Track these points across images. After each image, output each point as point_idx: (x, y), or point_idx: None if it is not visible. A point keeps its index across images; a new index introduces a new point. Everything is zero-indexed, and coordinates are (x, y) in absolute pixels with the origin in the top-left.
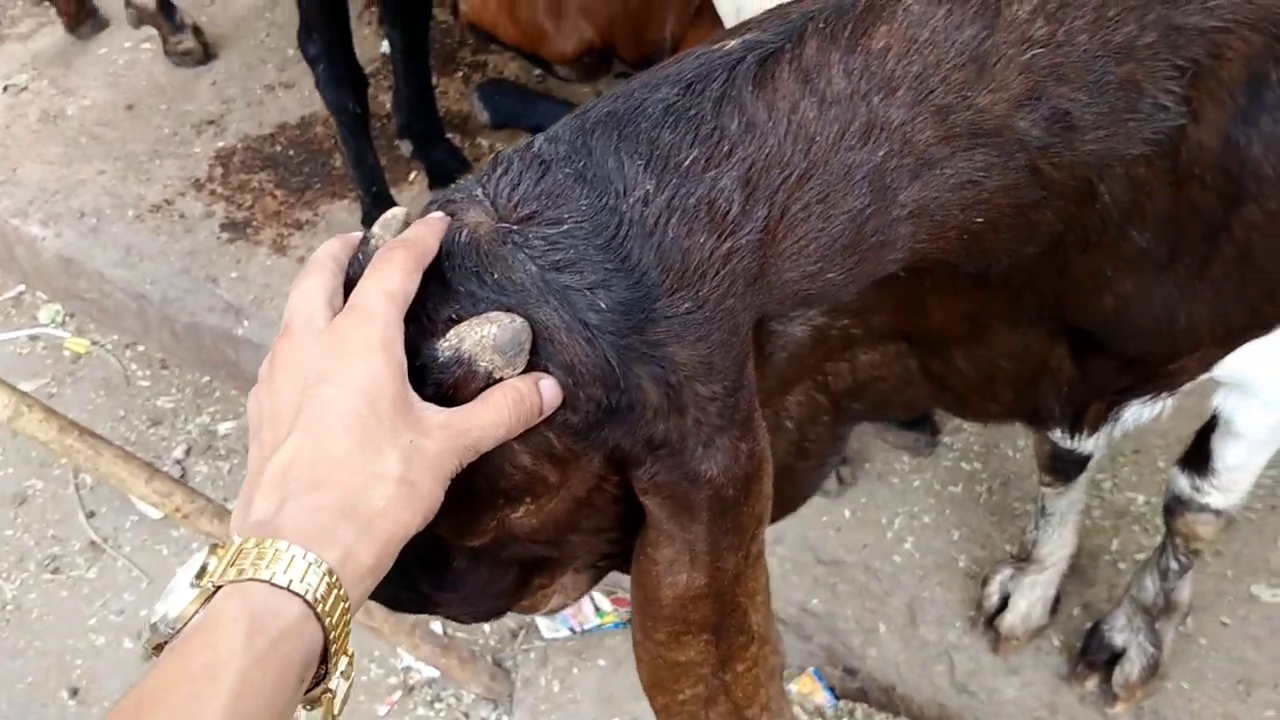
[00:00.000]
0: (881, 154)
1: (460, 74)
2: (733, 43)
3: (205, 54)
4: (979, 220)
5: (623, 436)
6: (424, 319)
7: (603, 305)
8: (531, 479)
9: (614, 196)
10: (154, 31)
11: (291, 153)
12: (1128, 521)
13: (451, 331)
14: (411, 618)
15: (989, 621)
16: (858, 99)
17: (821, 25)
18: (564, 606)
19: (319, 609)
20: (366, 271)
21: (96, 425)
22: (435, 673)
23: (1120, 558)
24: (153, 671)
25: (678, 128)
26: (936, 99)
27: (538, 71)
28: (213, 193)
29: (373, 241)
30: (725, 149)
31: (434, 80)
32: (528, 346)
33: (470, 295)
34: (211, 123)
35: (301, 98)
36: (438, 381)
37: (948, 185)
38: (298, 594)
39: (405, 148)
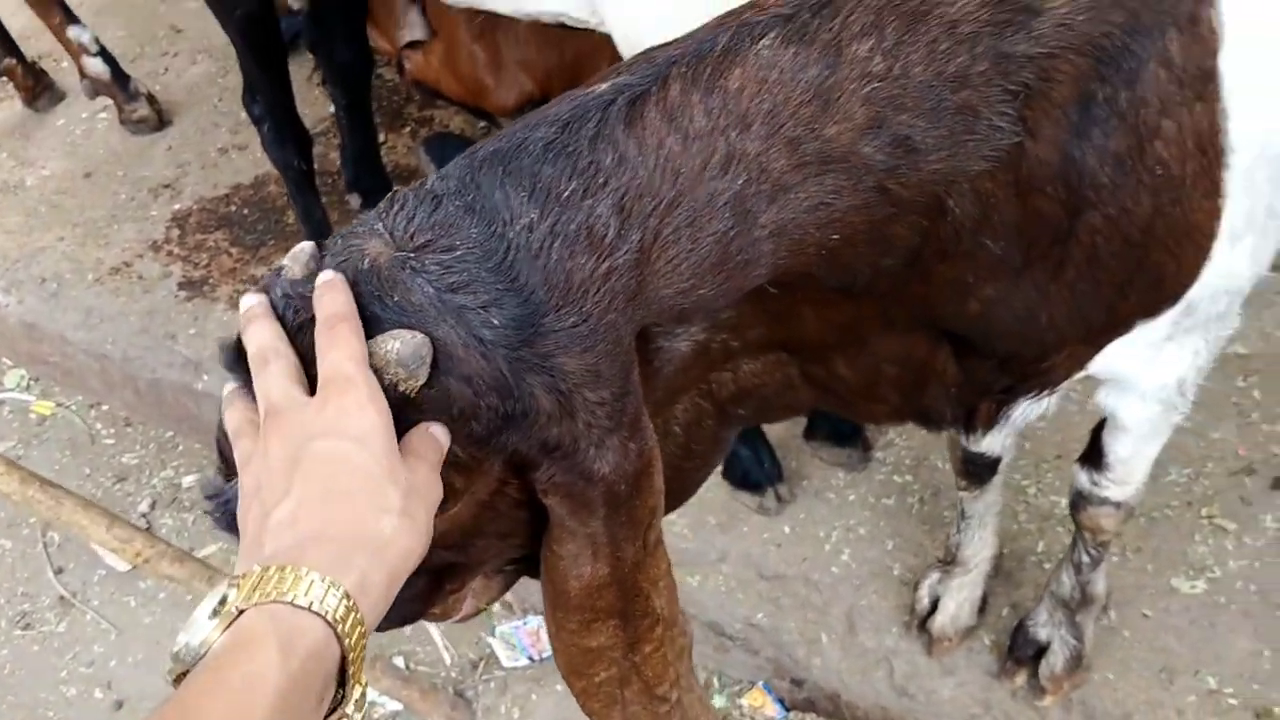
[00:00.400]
0: (741, 182)
1: (407, 129)
2: (604, 86)
3: (160, 121)
4: (835, 237)
5: (520, 441)
6: None
7: (495, 322)
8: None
9: (501, 225)
10: (110, 101)
11: (245, 211)
12: (1052, 524)
13: None
14: (373, 652)
15: (922, 625)
16: (717, 134)
17: (683, 69)
18: (477, 612)
19: (339, 629)
20: (326, 344)
21: (64, 484)
22: (398, 705)
23: (1046, 559)
24: (187, 685)
25: (557, 162)
26: (787, 131)
27: (482, 124)
28: (170, 253)
29: (284, 273)
30: (601, 180)
31: (382, 135)
32: (429, 360)
33: (374, 317)
34: (167, 186)
35: (254, 158)
36: None
37: (803, 207)
38: (319, 614)
39: (354, 201)
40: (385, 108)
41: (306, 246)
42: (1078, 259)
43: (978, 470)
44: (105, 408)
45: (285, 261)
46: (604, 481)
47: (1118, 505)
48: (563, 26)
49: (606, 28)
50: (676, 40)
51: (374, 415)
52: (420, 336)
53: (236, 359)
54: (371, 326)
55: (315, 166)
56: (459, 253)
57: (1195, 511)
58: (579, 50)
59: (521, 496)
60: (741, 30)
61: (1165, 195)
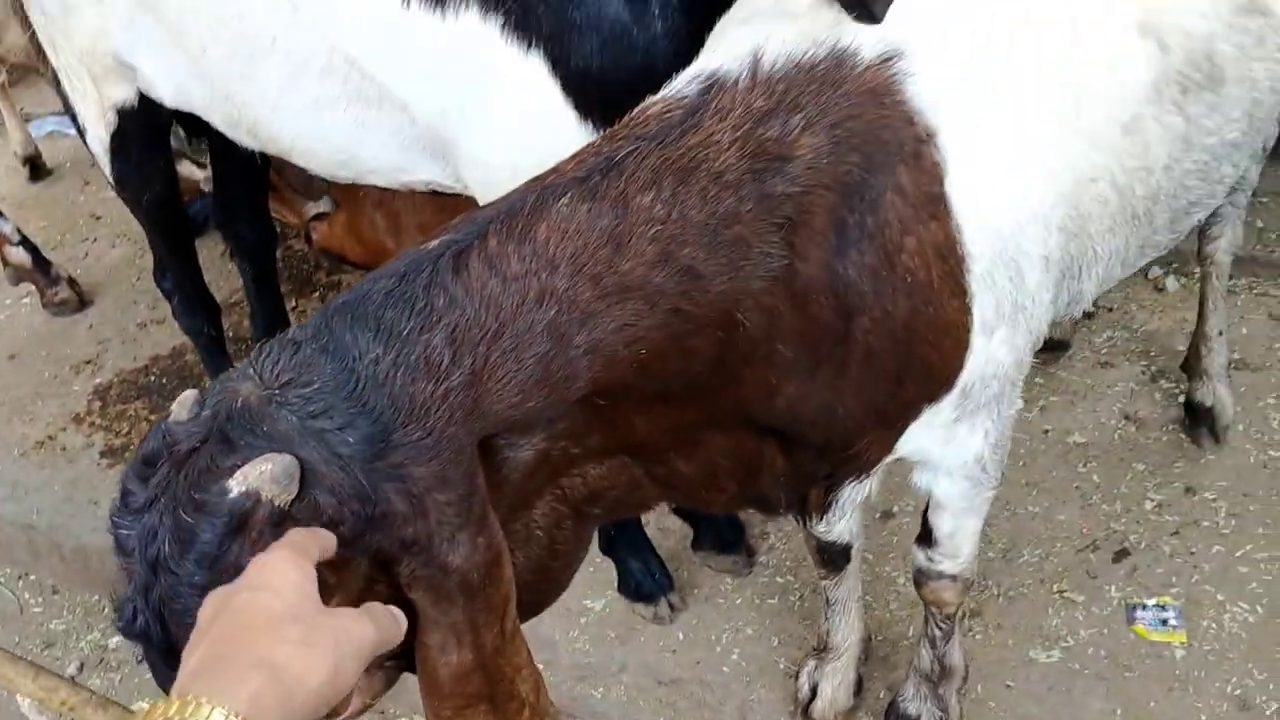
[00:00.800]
0: (553, 312)
1: (317, 294)
2: (435, 243)
3: (81, 302)
4: (643, 352)
5: (382, 540)
6: (216, 468)
7: (351, 440)
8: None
9: (352, 360)
10: (32, 287)
11: (164, 380)
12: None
13: (238, 472)
14: None
15: (805, 711)
16: (530, 275)
17: (499, 225)
18: (364, 708)
19: None
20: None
21: None
22: None
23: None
24: None
25: (397, 307)
26: (589, 270)
27: None
28: (92, 424)
29: (171, 417)
30: (435, 319)
31: (293, 301)
32: (297, 477)
33: (248, 445)
34: (89, 362)
35: (172, 331)
36: (231, 511)
37: (610, 329)
38: None
39: None
40: (295, 275)
41: (190, 393)
42: (857, 356)
43: (833, 557)
44: (33, 577)
45: (174, 407)
46: (458, 572)
47: (954, 578)
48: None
49: (470, 191)
50: (494, 202)
51: (291, 570)
52: (288, 458)
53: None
54: (247, 454)
55: (231, 334)
56: (316, 386)
57: (1047, 588)
58: (468, 210)
59: (391, 594)
60: (545, 192)
61: (918, 298)
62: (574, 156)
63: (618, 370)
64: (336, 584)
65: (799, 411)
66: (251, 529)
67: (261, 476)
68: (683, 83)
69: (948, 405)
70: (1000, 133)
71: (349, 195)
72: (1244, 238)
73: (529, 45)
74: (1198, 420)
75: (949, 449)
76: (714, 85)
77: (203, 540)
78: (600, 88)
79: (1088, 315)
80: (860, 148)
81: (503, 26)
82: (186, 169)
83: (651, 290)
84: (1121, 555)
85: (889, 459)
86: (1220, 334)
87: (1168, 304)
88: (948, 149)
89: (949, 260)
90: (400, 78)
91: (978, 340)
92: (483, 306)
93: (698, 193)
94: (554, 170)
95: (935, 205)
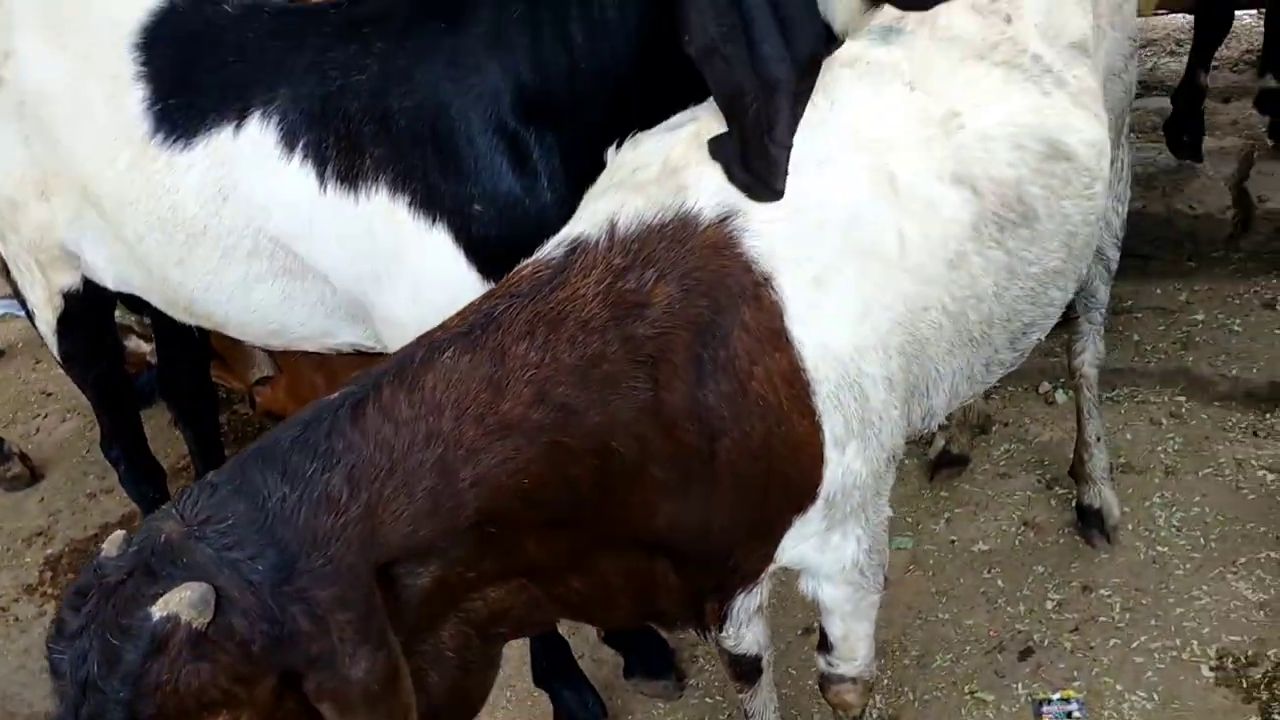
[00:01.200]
0: (440, 451)
1: None
2: (336, 395)
3: (32, 476)
4: (525, 482)
5: (289, 656)
6: (141, 596)
7: (261, 569)
8: (227, 695)
9: (262, 499)
10: None
11: None
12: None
13: (160, 600)
14: None
15: None
16: (419, 420)
17: (391, 378)
18: None
19: None
20: None
21: None
22: None
23: None
24: None
25: (302, 451)
26: (472, 411)
27: None
28: (44, 594)
29: (103, 554)
30: (334, 461)
31: None
32: (213, 602)
33: (169, 575)
34: (40, 534)
35: (121, 499)
36: (153, 633)
37: (493, 463)
38: None
39: None
40: (240, 437)
41: (119, 533)
42: (723, 475)
43: (745, 670)
44: None
45: (105, 545)
46: (360, 684)
47: (854, 680)
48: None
49: (390, 350)
50: (388, 357)
51: None
52: (205, 585)
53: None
54: (168, 583)
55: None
56: (231, 522)
57: (960, 690)
58: None
59: (300, 709)
60: (432, 346)
61: (771, 419)
62: (459, 314)
63: (502, 499)
64: (249, 699)
65: (678, 528)
66: (171, 649)
67: (181, 602)
68: (551, 247)
69: (815, 515)
70: (833, 274)
71: (289, 360)
72: (1123, 351)
73: (433, 220)
74: (1089, 522)
75: (826, 556)
76: (578, 248)
77: (127, 660)
78: (498, 253)
79: (984, 430)
80: (708, 293)
81: (409, 204)
82: (134, 343)
83: (530, 427)
84: (1026, 654)
85: (772, 568)
86: (1099, 440)
87: (1058, 416)
88: (784, 290)
89: (795, 385)
90: (321, 253)
91: (832, 454)
92: (377, 448)
93: (567, 339)
94: (441, 327)
95: (778, 338)
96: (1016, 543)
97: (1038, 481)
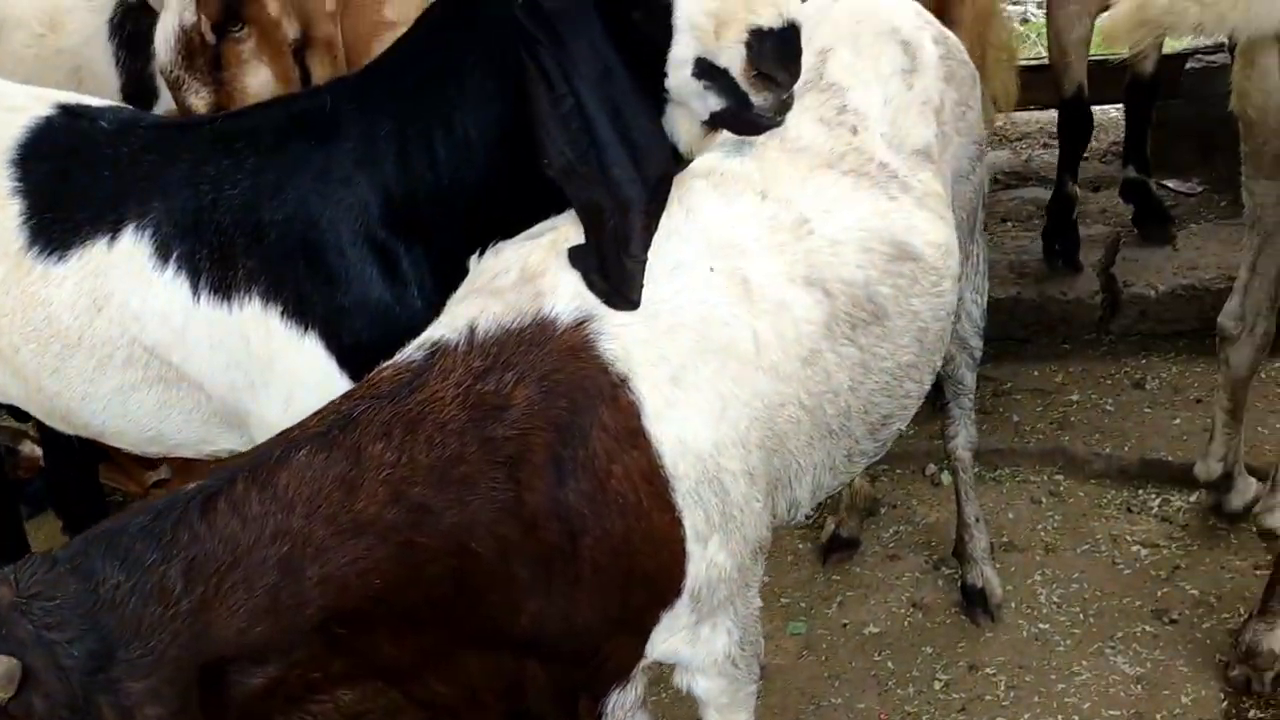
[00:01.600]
0: (286, 548)
1: None
2: (191, 486)
3: None
4: (378, 581)
5: None
6: None
7: (75, 654)
8: None
9: (95, 583)
10: None
11: None
12: None
13: None
14: None
15: None
16: (269, 516)
17: (247, 474)
18: None
19: None
20: None
21: None
22: None
23: None
24: None
25: (146, 540)
26: (324, 510)
27: None
28: None
29: None
30: (175, 552)
31: None
32: (17, 679)
33: None
34: None
35: None
36: None
37: (343, 562)
38: None
39: None
40: None
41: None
42: (586, 572)
43: None
44: None
45: None
46: None
47: None
48: None
49: None
50: (247, 452)
51: None
52: (13, 662)
53: None
54: None
55: None
56: (58, 602)
57: None
58: None
59: None
60: (289, 444)
61: (631, 517)
62: (318, 413)
63: (352, 599)
64: None
65: (543, 626)
66: None
67: None
68: (412, 349)
69: (683, 610)
70: (689, 373)
71: (185, 463)
72: (1003, 432)
73: (305, 328)
74: (973, 602)
75: (697, 649)
76: (438, 351)
77: None
78: (371, 359)
79: (872, 513)
80: (567, 395)
81: (282, 313)
82: (28, 448)
83: (384, 526)
84: None
85: (644, 663)
86: (978, 521)
87: (944, 496)
88: (641, 390)
89: (654, 482)
90: (195, 361)
91: (694, 549)
92: (221, 543)
93: (425, 440)
94: (299, 425)
95: (636, 437)
96: (906, 624)
97: (925, 562)
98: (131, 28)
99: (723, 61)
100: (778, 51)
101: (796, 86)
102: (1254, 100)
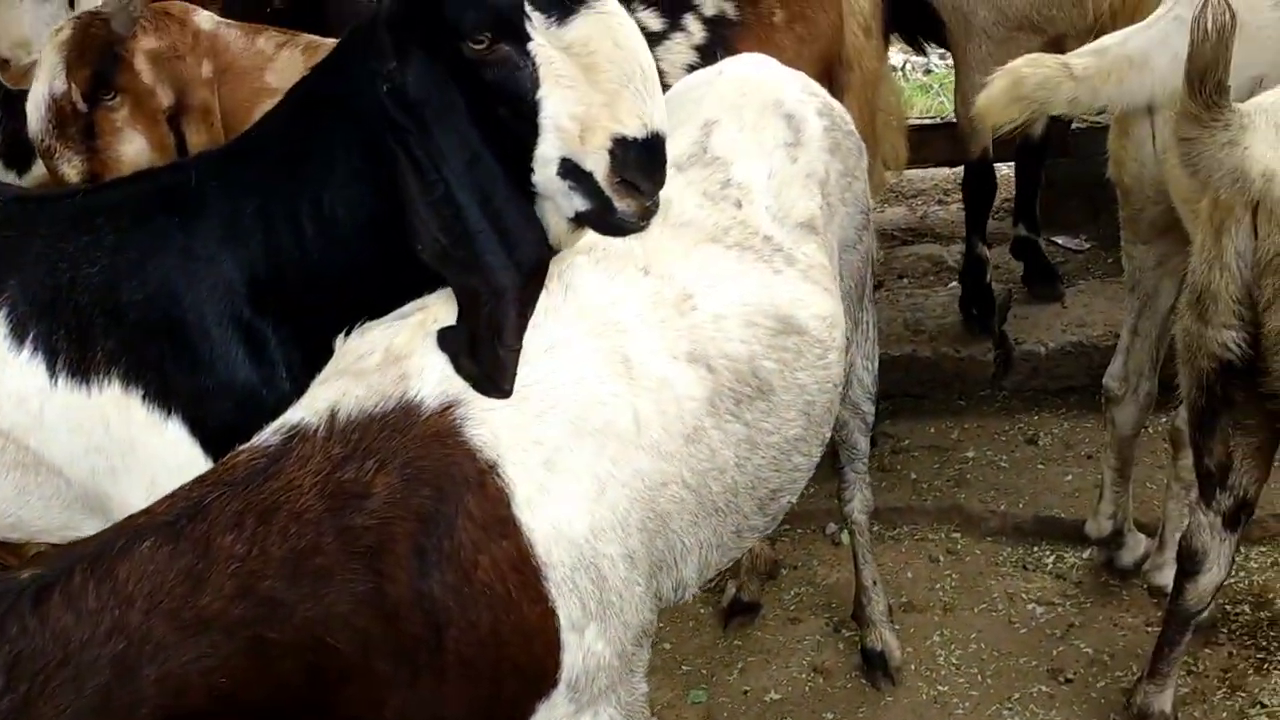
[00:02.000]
0: (122, 646)
1: None
2: (25, 575)
3: None
4: (223, 680)
5: None
6: None
7: None
8: None
9: None
10: None
11: None
12: None
13: None
14: None
15: None
16: (105, 611)
17: (86, 565)
18: None
19: None
20: None
21: None
22: None
23: None
24: None
25: None
26: (165, 605)
27: None
28: None
29: None
30: (2, 644)
31: None
32: None
33: None
34: None
35: None
36: None
37: (184, 660)
38: None
39: None
40: None
41: None
42: (453, 664)
43: None
44: None
45: None
46: None
47: None
48: None
49: None
50: (89, 539)
51: None
52: None
53: None
54: None
55: None
56: None
57: None
58: None
59: None
60: (132, 534)
61: (499, 608)
62: (167, 498)
63: (194, 699)
64: None
65: None
66: None
67: None
68: (269, 433)
69: (560, 700)
70: (564, 455)
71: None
72: (901, 490)
73: (169, 412)
74: (873, 664)
75: None
76: (295, 436)
77: None
78: (236, 442)
79: (772, 576)
80: (431, 482)
81: (144, 397)
82: None
83: (230, 621)
84: None
85: None
86: (875, 584)
87: (844, 556)
88: (511, 476)
89: (524, 572)
90: (53, 446)
91: (570, 638)
92: (52, 638)
93: (279, 531)
94: (146, 512)
95: (505, 525)
96: (807, 689)
97: (826, 624)
98: (8, 89)
99: (588, 165)
100: (641, 161)
101: (680, 159)
102: (1129, 169)
